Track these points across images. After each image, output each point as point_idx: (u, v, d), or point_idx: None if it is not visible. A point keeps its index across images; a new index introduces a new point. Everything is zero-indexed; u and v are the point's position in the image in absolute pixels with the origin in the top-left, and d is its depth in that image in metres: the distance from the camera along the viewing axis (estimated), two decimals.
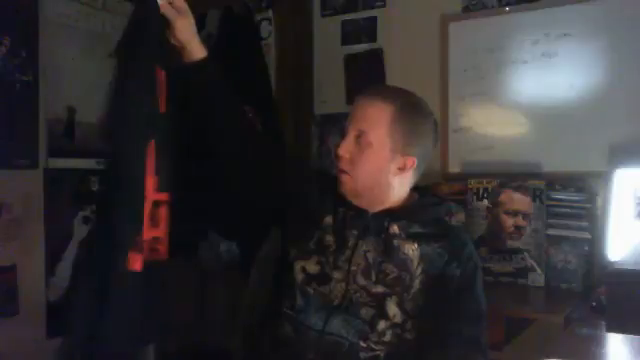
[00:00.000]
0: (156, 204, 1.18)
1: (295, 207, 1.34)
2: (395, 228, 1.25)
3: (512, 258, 2.08)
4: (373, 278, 1.22)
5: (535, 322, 1.65)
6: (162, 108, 1.20)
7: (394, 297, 1.21)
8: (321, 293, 1.24)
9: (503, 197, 2.12)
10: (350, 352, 1.20)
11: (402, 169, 1.25)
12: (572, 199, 2.03)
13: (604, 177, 1.96)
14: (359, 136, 1.22)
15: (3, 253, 1.96)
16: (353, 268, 1.23)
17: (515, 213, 2.09)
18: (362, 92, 1.29)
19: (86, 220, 2.23)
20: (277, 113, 2.44)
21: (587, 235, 1.99)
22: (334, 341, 1.21)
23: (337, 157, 1.25)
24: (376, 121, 1.22)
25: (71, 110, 2.17)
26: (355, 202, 1.27)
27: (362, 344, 1.20)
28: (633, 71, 2.01)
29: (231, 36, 2.35)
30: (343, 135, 1.26)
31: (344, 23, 2.60)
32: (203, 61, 1.25)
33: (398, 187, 1.28)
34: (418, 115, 1.26)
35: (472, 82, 2.31)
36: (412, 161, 1.25)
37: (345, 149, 1.23)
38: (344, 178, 1.25)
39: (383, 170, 1.24)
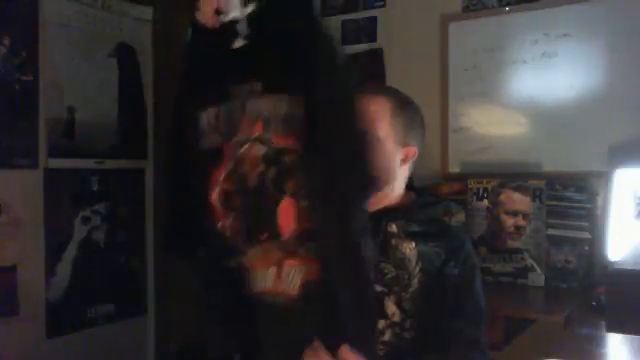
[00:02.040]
0: None
1: None
2: (393, 227, 1.25)
3: (512, 258, 2.08)
4: (371, 277, 1.22)
5: (535, 322, 1.65)
6: None
7: (392, 296, 1.21)
8: None
9: (503, 197, 2.12)
10: None
11: (404, 160, 1.28)
12: (572, 199, 2.03)
13: (604, 177, 1.96)
14: None
15: (3, 253, 1.95)
16: None
17: (515, 213, 2.09)
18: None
19: (86, 220, 2.23)
20: None
21: (587, 235, 1.99)
22: None
23: None
24: (380, 115, 1.25)
25: (71, 110, 2.16)
26: None
27: None
28: (633, 71, 2.01)
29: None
30: None
31: (344, 23, 2.60)
32: None
33: (400, 180, 1.30)
34: (411, 108, 1.31)
35: (472, 82, 2.31)
36: (414, 151, 1.29)
37: None
38: None
39: (390, 162, 1.27)
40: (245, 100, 1.12)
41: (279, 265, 1.11)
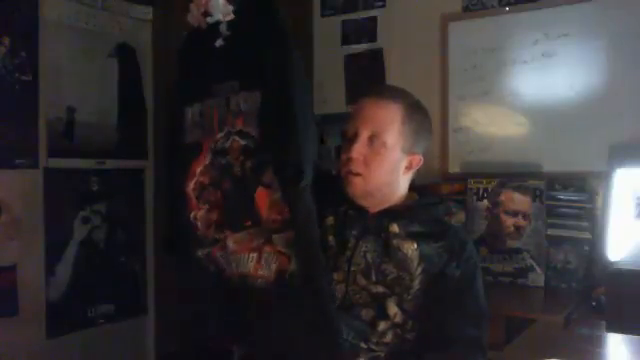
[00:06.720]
0: None
1: None
2: (395, 227, 1.25)
3: (512, 258, 2.08)
4: (373, 278, 1.22)
5: (535, 322, 1.66)
6: None
7: (394, 297, 1.21)
8: None
9: (503, 197, 2.12)
10: (351, 354, 1.20)
11: (409, 168, 1.27)
12: (572, 199, 2.03)
13: (604, 177, 1.96)
14: (372, 137, 1.22)
15: (3, 253, 1.95)
16: (353, 269, 1.23)
17: (515, 213, 2.09)
18: (366, 93, 1.29)
19: (86, 220, 2.22)
20: None
21: (587, 235, 2.00)
22: None
23: (348, 160, 1.24)
24: (389, 121, 1.23)
25: (71, 110, 2.16)
26: (359, 202, 1.27)
27: (362, 345, 1.20)
28: (633, 71, 2.01)
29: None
30: (346, 138, 1.26)
31: (344, 23, 2.61)
32: None
33: (403, 186, 1.30)
34: (421, 113, 1.29)
35: (472, 82, 2.31)
36: (419, 159, 1.28)
37: (358, 151, 1.22)
38: (356, 180, 1.24)
39: (395, 170, 1.26)
40: (229, 96, 1.21)
41: (259, 251, 1.18)
